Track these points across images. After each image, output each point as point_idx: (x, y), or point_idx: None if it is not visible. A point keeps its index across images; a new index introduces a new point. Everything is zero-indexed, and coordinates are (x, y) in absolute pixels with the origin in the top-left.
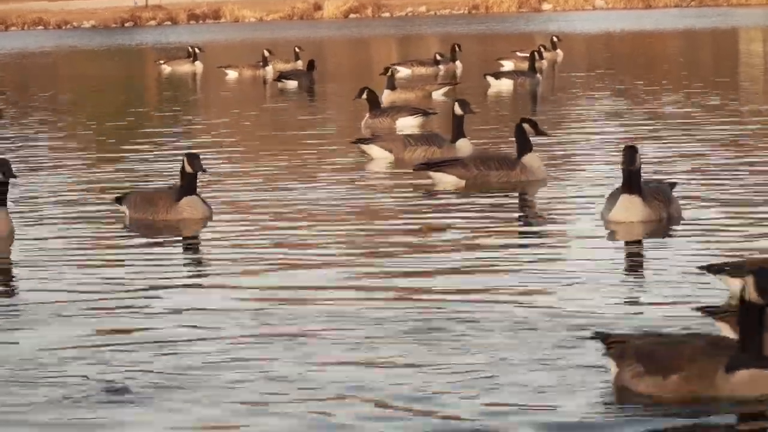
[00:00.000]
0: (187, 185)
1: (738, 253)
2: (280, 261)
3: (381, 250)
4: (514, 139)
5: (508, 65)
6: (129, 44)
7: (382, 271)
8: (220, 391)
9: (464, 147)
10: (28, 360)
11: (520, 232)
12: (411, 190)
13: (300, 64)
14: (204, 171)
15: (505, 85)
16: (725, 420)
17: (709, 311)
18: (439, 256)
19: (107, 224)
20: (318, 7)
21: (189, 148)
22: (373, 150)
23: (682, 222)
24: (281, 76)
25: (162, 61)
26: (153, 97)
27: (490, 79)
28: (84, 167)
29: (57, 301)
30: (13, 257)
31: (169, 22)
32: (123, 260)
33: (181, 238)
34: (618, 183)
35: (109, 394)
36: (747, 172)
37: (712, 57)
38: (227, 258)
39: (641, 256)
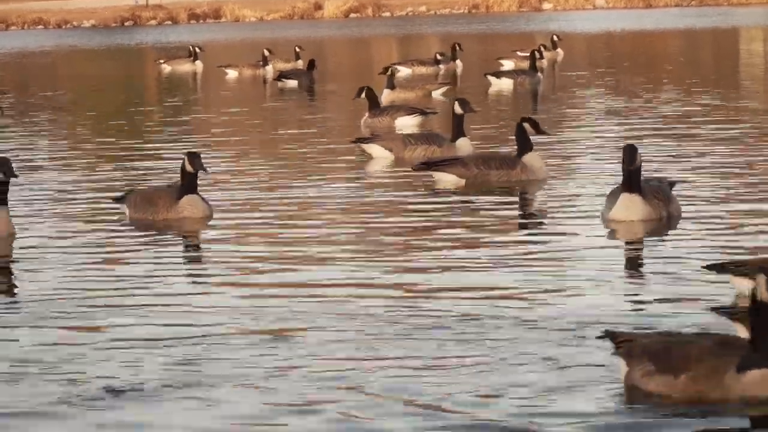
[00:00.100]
0: (188, 184)
1: (738, 252)
2: (280, 260)
3: (381, 248)
4: (514, 138)
5: (508, 64)
6: (129, 44)
7: (382, 269)
8: (221, 390)
9: (464, 146)
10: (28, 359)
11: (521, 232)
12: (411, 189)
13: (300, 64)
14: (205, 170)
15: (505, 85)
16: (736, 420)
17: (725, 311)
18: (439, 256)
19: (107, 224)
20: (318, 7)
21: (190, 147)
22: (374, 149)
23: (682, 221)
24: (281, 76)
25: (162, 61)
26: (153, 97)
27: (490, 78)
28: (84, 166)
29: (57, 300)
30: (14, 256)
31: (169, 22)
32: (123, 259)
33: (181, 237)
34: (618, 182)
35: (109, 392)
36: (747, 171)
37: (713, 56)
38: (228, 257)
39: (642, 254)
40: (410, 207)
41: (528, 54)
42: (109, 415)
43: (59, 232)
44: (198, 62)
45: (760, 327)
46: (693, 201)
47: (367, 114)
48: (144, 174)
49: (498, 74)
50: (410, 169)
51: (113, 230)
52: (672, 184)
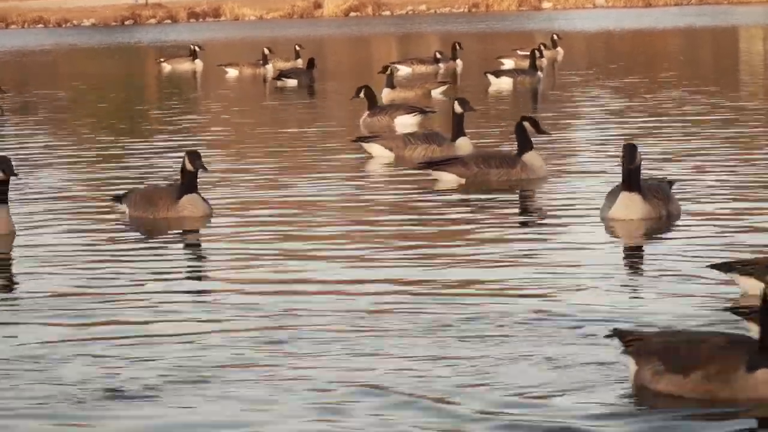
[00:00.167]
0: (188, 183)
1: (738, 251)
2: (280, 259)
3: (381, 248)
4: (514, 137)
5: (508, 63)
6: (129, 42)
7: (382, 269)
8: (222, 389)
9: (464, 145)
10: (28, 357)
11: (521, 230)
12: (411, 188)
13: (300, 63)
14: (205, 169)
15: (505, 84)
16: (746, 419)
17: (739, 312)
18: (439, 255)
19: (107, 223)
20: (318, 6)
21: (189, 146)
22: (374, 148)
23: (681, 220)
24: (281, 75)
25: (162, 60)
26: (153, 96)
27: (490, 77)
28: (84, 165)
29: (57, 299)
30: (14, 255)
31: (169, 21)
32: (123, 259)
33: (181, 237)
34: (617, 181)
35: (109, 391)
36: (747, 170)
37: (712, 55)
38: (228, 256)
39: (641, 253)
40: (410, 206)
41: (528, 53)
42: (109, 414)
43: (59, 231)
44: (198, 61)
45: None
46: (692, 200)
47: (366, 113)
48: (144, 173)
49: (498, 73)
50: (411, 168)
51: (113, 229)
52: (671, 183)
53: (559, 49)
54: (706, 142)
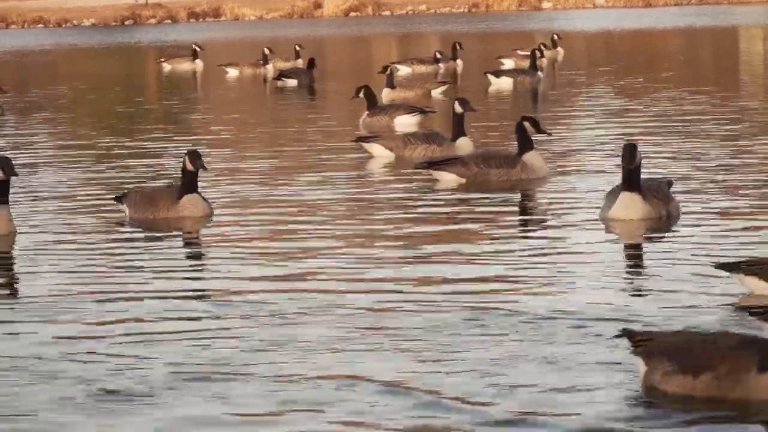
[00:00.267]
0: (188, 183)
1: (738, 251)
2: (280, 259)
3: (381, 248)
4: (515, 137)
5: (508, 63)
6: (129, 42)
7: (382, 268)
8: (223, 388)
9: (464, 145)
10: (28, 357)
11: (521, 230)
12: (411, 188)
13: (300, 63)
14: (205, 169)
15: (505, 84)
16: (757, 420)
17: (756, 312)
18: (439, 255)
19: (108, 223)
20: (318, 6)
21: (190, 146)
22: (374, 148)
23: (681, 219)
24: (281, 75)
25: (162, 60)
26: (153, 96)
27: (490, 77)
28: (84, 165)
29: (57, 299)
30: (14, 255)
31: (169, 21)
32: (123, 259)
33: (182, 237)
34: (617, 181)
35: (109, 391)
36: (747, 170)
37: (712, 55)
38: (228, 256)
39: (641, 253)
40: (410, 206)
41: (528, 53)
42: (109, 414)
43: (60, 231)
44: (198, 61)
45: None
46: (692, 200)
47: (365, 113)
48: (144, 173)
49: (498, 73)
50: (411, 168)
51: (113, 229)
52: (670, 183)
53: (559, 49)
54: (706, 142)
